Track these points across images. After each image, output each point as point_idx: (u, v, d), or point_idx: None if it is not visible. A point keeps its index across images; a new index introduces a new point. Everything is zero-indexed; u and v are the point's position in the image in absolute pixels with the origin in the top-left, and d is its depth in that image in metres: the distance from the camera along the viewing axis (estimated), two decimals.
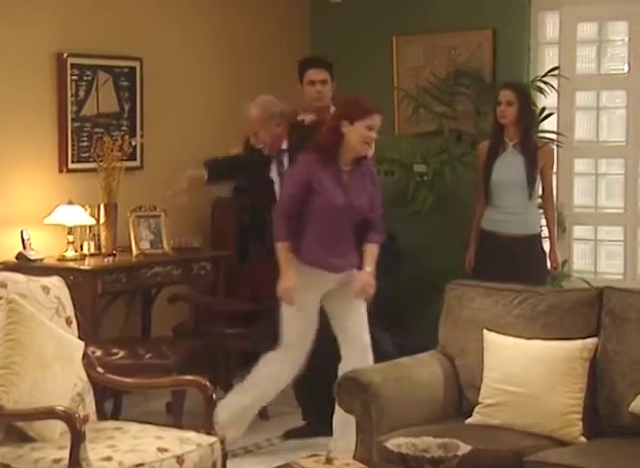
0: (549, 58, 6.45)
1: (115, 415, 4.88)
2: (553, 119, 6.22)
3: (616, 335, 3.76)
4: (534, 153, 5.42)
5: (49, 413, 3.35)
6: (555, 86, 6.16)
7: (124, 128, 5.99)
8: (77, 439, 3.18)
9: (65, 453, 3.20)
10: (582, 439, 3.65)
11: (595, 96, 6.28)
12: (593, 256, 6.35)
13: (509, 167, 5.41)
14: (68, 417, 3.24)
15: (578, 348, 3.74)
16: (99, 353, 4.64)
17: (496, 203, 5.43)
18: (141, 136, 5.92)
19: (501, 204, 5.42)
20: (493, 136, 5.49)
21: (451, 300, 4.16)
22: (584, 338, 3.77)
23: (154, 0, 6.17)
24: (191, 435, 3.56)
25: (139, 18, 6.07)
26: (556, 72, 6.17)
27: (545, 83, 6.13)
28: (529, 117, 5.52)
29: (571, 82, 6.17)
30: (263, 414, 5.41)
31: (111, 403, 5.04)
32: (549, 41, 6.48)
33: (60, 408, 3.31)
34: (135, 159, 6.06)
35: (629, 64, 6.18)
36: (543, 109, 6.16)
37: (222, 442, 3.60)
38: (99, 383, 3.86)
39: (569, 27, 6.31)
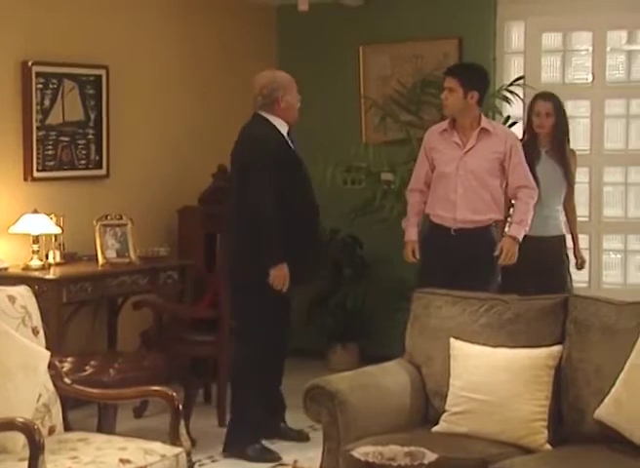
0: (515, 67, 6.52)
1: (100, 427, 4.80)
2: (519, 127, 6.26)
3: (580, 343, 3.78)
4: (568, 159, 5.59)
5: (7, 425, 3.30)
6: (521, 95, 6.21)
7: (90, 136, 5.97)
8: (35, 451, 3.14)
9: (25, 465, 3.17)
10: (548, 446, 3.67)
11: None
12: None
13: (549, 173, 5.50)
14: (27, 429, 3.20)
15: (543, 356, 3.77)
16: None
17: (539, 211, 5.44)
18: None
19: (541, 210, 5.46)
20: (527, 144, 5.50)
21: (417, 309, 4.17)
22: (550, 346, 3.79)
23: (120, 8, 6.15)
24: (156, 446, 3.54)
25: (104, 25, 6.04)
26: (521, 81, 6.23)
27: (511, 92, 6.18)
28: (565, 127, 5.68)
29: (536, 91, 6.22)
30: (222, 422, 5.40)
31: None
32: (515, 50, 6.54)
33: (20, 419, 3.26)
34: (101, 167, 6.04)
35: (593, 74, 6.25)
36: (508, 118, 6.22)
37: (188, 453, 3.58)
38: (65, 394, 3.83)
39: (534, 37, 6.38)
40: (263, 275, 4.86)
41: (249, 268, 4.90)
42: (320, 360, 6.57)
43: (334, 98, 6.97)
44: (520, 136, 5.65)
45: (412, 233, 5.31)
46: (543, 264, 5.45)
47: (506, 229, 5.38)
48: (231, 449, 4.97)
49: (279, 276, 4.84)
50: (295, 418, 5.21)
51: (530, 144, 5.52)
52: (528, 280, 5.20)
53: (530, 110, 5.63)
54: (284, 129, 4.98)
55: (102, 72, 6.00)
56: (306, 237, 4.96)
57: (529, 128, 5.61)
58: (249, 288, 4.91)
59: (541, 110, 5.58)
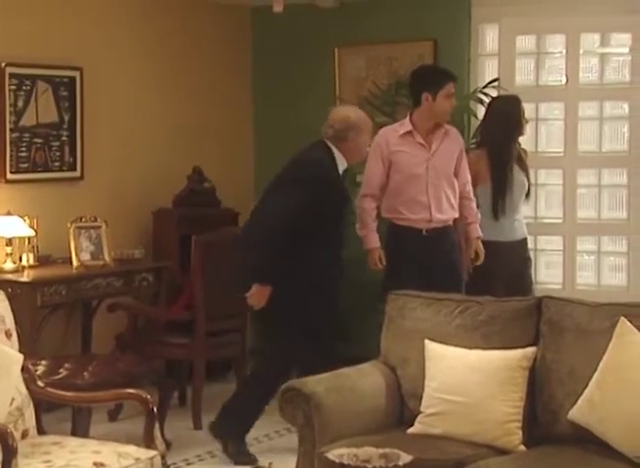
0: (489, 69, 6.54)
1: (74, 431, 4.77)
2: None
3: (554, 344, 3.80)
4: (525, 161, 5.66)
5: None
6: None
7: (64, 138, 5.94)
8: (8, 454, 3.13)
9: None
10: (522, 447, 3.69)
11: (534, 107, 6.37)
12: (533, 266, 6.42)
13: (518, 179, 5.57)
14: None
15: (517, 357, 3.78)
16: None
17: (510, 215, 5.54)
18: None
19: (512, 213, 5.55)
20: (505, 150, 5.54)
21: (392, 311, 4.18)
22: (524, 347, 3.81)
23: (93, 10, 6.12)
24: (130, 449, 3.53)
25: (78, 27, 6.02)
26: (496, 84, 6.25)
27: (486, 94, 6.20)
28: None
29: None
30: (197, 424, 5.39)
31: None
32: (489, 53, 6.57)
33: None
34: (75, 169, 6.02)
35: (567, 76, 6.28)
36: None
37: (163, 456, 3.57)
38: (39, 397, 3.81)
39: (508, 40, 6.40)
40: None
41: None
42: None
43: (309, 100, 6.97)
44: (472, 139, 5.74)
45: (375, 240, 5.29)
46: (513, 267, 5.51)
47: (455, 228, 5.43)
48: (218, 431, 4.91)
49: (259, 296, 4.77)
50: (270, 421, 5.21)
51: (508, 149, 5.54)
52: (498, 282, 5.27)
53: (520, 115, 5.58)
54: (342, 166, 4.94)
55: (76, 74, 5.97)
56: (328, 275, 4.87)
57: (513, 132, 5.57)
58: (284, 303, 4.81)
59: (528, 117, 5.65)
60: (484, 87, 6.25)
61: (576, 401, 3.64)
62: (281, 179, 4.89)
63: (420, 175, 5.20)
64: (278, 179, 4.92)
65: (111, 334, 5.75)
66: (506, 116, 5.58)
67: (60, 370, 4.70)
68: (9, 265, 5.35)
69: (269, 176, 7.07)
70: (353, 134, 4.91)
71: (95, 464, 3.36)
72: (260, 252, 4.71)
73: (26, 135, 5.75)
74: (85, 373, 4.68)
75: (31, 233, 5.49)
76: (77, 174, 6.04)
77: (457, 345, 3.90)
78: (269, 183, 4.98)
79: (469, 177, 5.40)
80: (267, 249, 4.69)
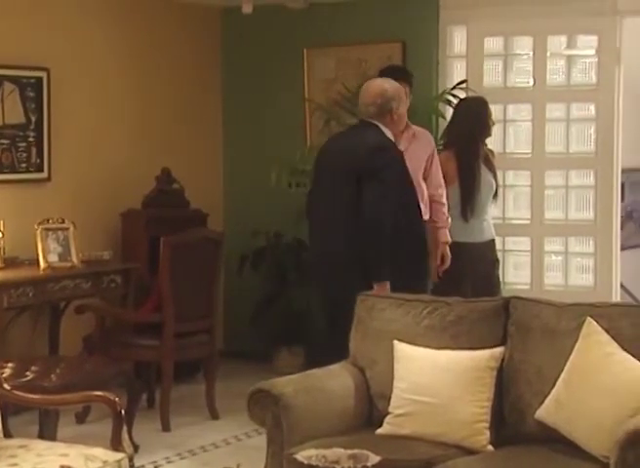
0: (457, 71, 6.57)
1: (41, 434, 4.72)
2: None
3: (522, 345, 3.82)
4: (492, 161, 5.71)
5: None
6: None
7: (31, 139, 5.90)
8: None
9: None
10: (490, 447, 3.70)
11: (502, 108, 6.40)
12: (501, 267, 6.46)
13: (485, 179, 5.61)
14: None
15: (485, 357, 3.79)
16: None
17: (479, 215, 5.59)
18: None
19: (480, 214, 5.60)
20: (472, 151, 5.57)
21: (361, 312, 4.18)
22: (492, 348, 3.82)
23: (60, 10, 6.09)
24: (98, 451, 3.50)
25: (45, 27, 5.98)
26: (464, 85, 6.29)
27: (454, 96, 6.23)
28: None
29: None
30: (165, 426, 5.36)
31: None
32: (457, 54, 6.60)
33: None
34: (42, 171, 5.98)
35: (534, 78, 6.33)
36: None
37: (131, 458, 3.56)
38: (5, 400, 3.78)
39: (476, 41, 6.44)
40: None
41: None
42: (266, 363, 6.56)
43: (278, 101, 6.97)
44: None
45: None
46: (481, 268, 5.55)
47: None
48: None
49: (382, 293, 4.58)
50: (239, 421, 5.20)
51: (476, 150, 5.58)
52: (466, 283, 5.30)
53: (487, 116, 5.64)
54: (392, 139, 4.86)
55: (43, 75, 5.93)
56: (412, 255, 4.78)
57: (480, 133, 5.62)
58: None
59: (494, 118, 5.71)
60: (452, 88, 6.29)
61: (543, 401, 3.66)
62: (353, 173, 4.66)
63: None
64: (344, 173, 4.71)
65: (79, 336, 5.71)
66: (473, 117, 5.62)
67: (27, 373, 4.65)
68: None
69: (238, 177, 7.11)
70: (396, 103, 4.82)
71: (62, 467, 3.34)
72: (376, 252, 4.61)
73: None
74: (52, 376, 4.64)
75: None
76: (44, 175, 6.00)
77: (425, 346, 3.91)
78: (332, 177, 4.79)
79: (442, 181, 5.41)
80: (381, 248, 4.61)
